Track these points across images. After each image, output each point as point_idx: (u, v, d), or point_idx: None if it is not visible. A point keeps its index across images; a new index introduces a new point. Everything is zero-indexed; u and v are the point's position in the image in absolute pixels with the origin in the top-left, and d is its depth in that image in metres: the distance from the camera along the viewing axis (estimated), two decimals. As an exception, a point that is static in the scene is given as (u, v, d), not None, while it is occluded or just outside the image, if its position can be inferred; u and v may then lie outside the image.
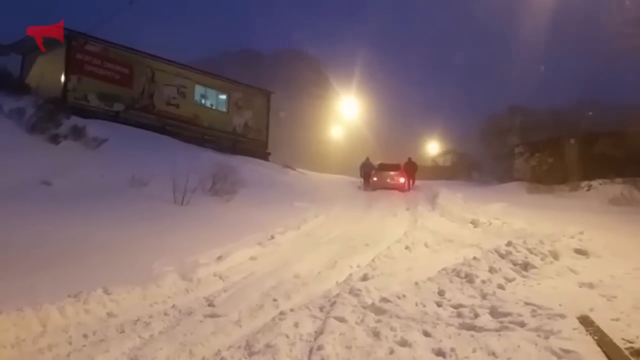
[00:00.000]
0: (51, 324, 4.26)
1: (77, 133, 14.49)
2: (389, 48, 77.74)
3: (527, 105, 40.81)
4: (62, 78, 19.59)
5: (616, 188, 15.63)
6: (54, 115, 14.70)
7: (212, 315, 4.71)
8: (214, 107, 25.58)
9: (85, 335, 4.12)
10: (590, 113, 31.94)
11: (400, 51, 78.93)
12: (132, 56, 21.93)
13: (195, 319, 4.64)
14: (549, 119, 33.93)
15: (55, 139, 13.69)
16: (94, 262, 6.11)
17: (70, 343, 3.97)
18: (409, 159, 25.74)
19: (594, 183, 17.06)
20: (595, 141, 18.84)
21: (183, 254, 6.82)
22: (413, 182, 24.45)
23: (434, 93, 66.58)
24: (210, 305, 5.08)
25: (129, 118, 20.61)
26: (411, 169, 24.91)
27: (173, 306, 4.99)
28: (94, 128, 15.23)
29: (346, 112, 45.45)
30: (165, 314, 4.73)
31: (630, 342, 3.70)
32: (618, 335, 3.81)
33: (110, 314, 4.66)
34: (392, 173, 24.09)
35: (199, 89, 24.60)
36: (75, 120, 15.44)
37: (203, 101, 25.06)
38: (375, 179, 23.55)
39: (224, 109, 26.00)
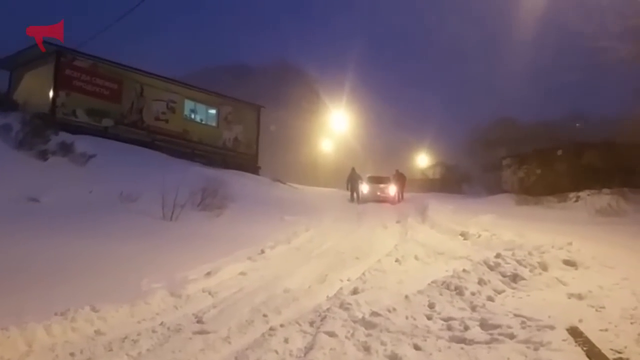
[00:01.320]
0: (37, 343, 4.20)
1: (66, 149, 14.40)
2: (379, 61, 78.25)
3: (515, 118, 41.34)
4: (51, 94, 19.50)
5: (604, 199, 15.77)
6: (41, 131, 14.61)
7: (201, 332, 4.67)
8: (203, 122, 25.57)
9: (72, 354, 4.07)
10: (578, 125, 32.36)
11: (389, 64, 79.60)
12: (121, 71, 21.91)
13: (184, 335, 4.59)
14: (537, 130, 34.34)
15: (43, 155, 13.59)
16: (81, 279, 6.04)
17: (56, 362, 3.91)
18: (397, 170, 25.70)
19: (582, 194, 17.19)
20: (583, 152, 19.03)
21: (172, 270, 6.77)
22: (402, 195, 24.40)
23: (423, 106, 66.98)
24: (199, 321, 5.04)
25: (117, 133, 20.53)
26: (400, 181, 24.88)
27: (161, 323, 4.94)
28: (83, 144, 15.14)
29: (336, 126, 45.61)
30: (154, 331, 4.68)
31: (619, 353, 3.72)
32: (607, 345, 3.83)
33: (98, 332, 4.60)
34: (381, 185, 24.15)
35: (188, 104, 24.60)
36: (64, 136, 15.35)
37: (192, 116, 25.04)
38: (365, 191, 23.56)
39: (214, 124, 25.99)
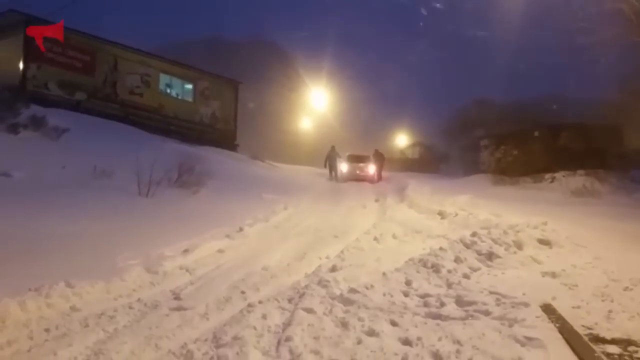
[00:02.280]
0: (11, 318, 4.11)
1: (37, 123, 14.05)
2: (358, 41, 77.74)
3: (492, 98, 41.64)
4: (21, 65, 18.88)
5: (578, 180, 16.09)
6: (12, 104, 14.23)
7: (179, 309, 4.64)
8: (179, 97, 25.13)
9: (47, 330, 4.01)
10: (555, 106, 32.73)
11: (369, 44, 79.14)
12: (94, 43, 21.29)
13: (161, 312, 4.56)
14: (514, 111, 34.65)
15: (14, 129, 13.25)
16: (56, 256, 5.94)
17: (31, 338, 3.85)
18: (376, 150, 25.65)
19: (557, 175, 17.49)
20: (559, 134, 19.29)
21: (148, 247, 6.68)
22: (380, 174, 24.44)
23: (402, 86, 67.01)
24: (177, 298, 5.00)
25: (91, 107, 20.03)
26: (379, 161, 24.89)
27: (138, 299, 4.89)
28: (55, 117, 14.78)
29: (316, 104, 45.40)
30: (130, 308, 4.64)
31: (590, 329, 3.83)
32: (578, 322, 3.94)
33: (73, 308, 4.53)
34: (361, 164, 24.15)
35: (163, 78, 24.09)
36: (35, 109, 14.96)
37: (168, 90, 24.56)
38: (344, 170, 23.54)
39: (190, 99, 25.57)
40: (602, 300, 4.58)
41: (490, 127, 32.44)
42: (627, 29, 12.76)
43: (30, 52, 18.87)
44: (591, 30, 12.45)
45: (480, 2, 43.30)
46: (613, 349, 3.47)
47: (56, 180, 10.36)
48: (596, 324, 3.94)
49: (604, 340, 3.61)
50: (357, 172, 23.63)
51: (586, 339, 3.61)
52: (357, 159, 24.85)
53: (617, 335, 3.70)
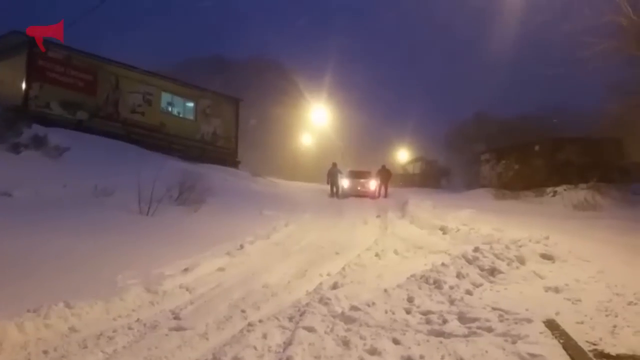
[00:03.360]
0: (8, 340, 4.07)
1: (39, 142, 14.10)
2: (359, 57, 78.45)
3: (492, 113, 41.76)
4: (23, 85, 19.04)
5: (580, 194, 16.07)
6: (14, 124, 14.28)
7: (178, 329, 4.59)
8: (181, 115, 25.27)
9: (45, 352, 3.96)
10: (555, 120, 32.79)
11: (369, 60, 79.77)
12: (96, 63, 21.49)
13: (161, 332, 4.51)
14: (515, 126, 34.74)
15: (15, 149, 13.29)
16: (55, 275, 5.89)
17: (28, 360, 3.80)
18: (383, 166, 25.68)
19: (559, 189, 17.48)
20: (560, 148, 19.33)
21: (148, 266, 6.65)
22: (387, 190, 24.39)
23: (403, 101, 67.33)
24: (176, 318, 4.95)
25: (92, 126, 20.14)
26: (385, 176, 24.84)
27: (137, 320, 4.84)
28: (56, 137, 14.84)
29: (316, 120, 45.53)
30: (130, 328, 4.59)
31: (594, 345, 3.78)
32: (583, 337, 3.88)
33: (72, 329, 4.48)
34: (362, 180, 24.16)
35: (165, 97, 24.26)
36: (37, 129, 15.03)
37: (170, 109, 24.72)
38: (345, 186, 23.53)
39: (192, 117, 25.70)
40: (606, 315, 4.52)
41: (491, 141, 32.53)
42: (626, 42, 12.83)
43: (32, 73, 19.06)
44: (591, 44, 12.51)
45: (480, 16, 43.67)
46: (618, 365, 3.42)
47: (57, 199, 10.36)
48: (601, 339, 3.88)
49: (608, 356, 3.56)
50: (359, 187, 23.63)
51: (591, 355, 3.56)
52: (358, 174, 24.88)
53: (622, 350, 3.65)
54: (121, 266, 6.46)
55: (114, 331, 4.48)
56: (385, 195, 23.67)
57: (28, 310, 4.54)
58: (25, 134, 14.25)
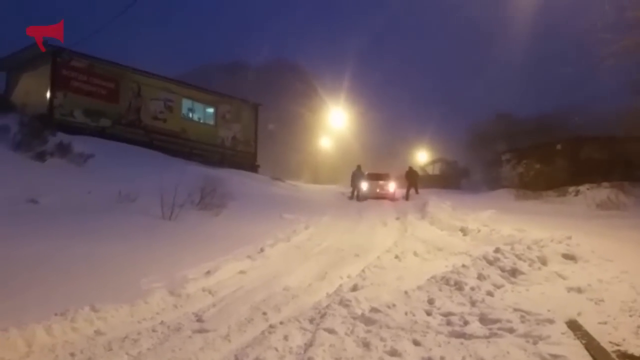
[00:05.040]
0: (37, 343, 4.19)
1: (63, 150, 14.39)
2: (377, 58, 78.30)
3: (513, 112, 41.26)
4: (48, 94, 19.49)
5: (603, 192, 15.78)
6: (39, 132, 14.62)
7: (201, 331, 4.67)
8: (201, 121, 25.57)
9: (72, 354, 4.06)
10: (577, 118, 32.26)
11: (387, 61, 79.57)
12: (118, 71, 21.89)
13: (184, 334, 4.60)
14: (535, 125, 34.27)
15: (41, 156, 13.59)
16: (81, 279, 6.04)
17: (57, 362, 3.91)
18: (410, 167, 25.71)
19: (582, 188, 17.19)
20: (582, 146, 19.02)
21: (171, 269, 6.77)
22: (417, 191, 24.20)
23: (422, 102, 66.99)
24: (199, 320, 5.04)
25: (115, 133, 20.53)
26: (413, 178, 24.79)
27: (161, 322, 4.94)
28: (80, 144, 15.13)
29: (335, 123, 45.56)
30: (154, 331, 4.68)
31: (617, 345, 3.73)
32: (605, 338, 3.84)
33: (98, 332, 4.60)
34: (381, 182, 24.10)
35: (186, 103, 24.59)
36: (62, 136, 15.35)
37: (190, 115, 25.03)
38: (364, 189, 23.47)
39: (212, 122, 25.99)
40: (630, 316, 4.45)
41: (512, 141, 32.14)
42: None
43: (57, 82, 19.52)
44: (611, 40, 12.28)
45: (500, 16, 43.24)
46: (642, 366, 3.38)
47: (82, 205, 10.57)
48: (624, 340, 3.83)
49: (632, 357, 3.52)
50: (377, 190, 23.57)
51: (614, 355, 3.52)
52: (377, 177, 24.82)
53: (646, 351, 3.60)
54: (145, 270, 6.59)
55: (139, 334, 4.58)
56: (417, 193, 23.80)
57: (55, 314, 4.67)
58: (51, 142, 14.56)
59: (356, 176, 23.81)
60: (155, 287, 5.93)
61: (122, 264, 6.92)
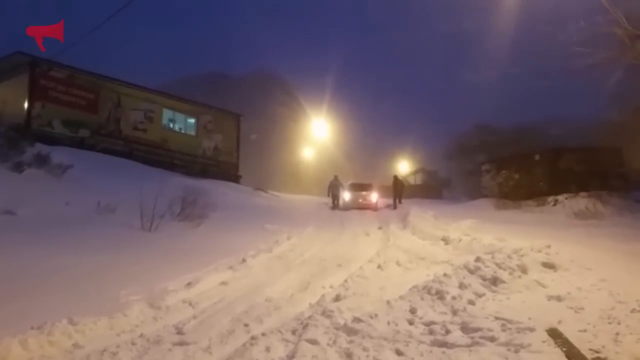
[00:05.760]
0: (12, 358, 4.09)
1: (41, 160, 14.16)
2: (358, 70, 78.88)
3: (492, 123, 41.87)
4: (26, 105, 19.19)
5: (581, 202, 16.05)
6: (17, 143, 14.36)
7: (181, 343, 4.60)
8: (182, 131, 25.41)
9: (48, 369, 3.97)
10: (555, 130, 32.90)
11: (369, 73, 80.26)
12: (98, 81, 21.70)
13: (164, 347, 4.52)
14: (514, 136, 34.82)
15: (18, 167, 13.34)
16: (59, 292, 5.92)
17: (32, 378, 3.82)
18: (395, 177, 25.82)
19: (560, 198, 17.47)
20: (560, 157, 19.35)
21: (151, 281, 6.67)
22: (400, 200, 24.27)
23: (403, 113, 67.60)
24: (179, 333, 4.96)
25: (95, 144, 20.29)
26: (399, 187, 24.91)
27: (141, 335, 4.85)
28: (59, 155, 14.92)
29: (317, 134, 45.70)
30: (133, 344, 4.59)
31: (597, 352, 3.77)
32: (585, 346, 3.88)
33: (76, 345, 4.50)
34: (363, 193, 24.16)
35: (166, 113, 24.43)
36: (40, 147, 15.11)
37: (171, 125, 24.87)
38: (346, 199, 23.53)
39: (193, 133, 25.86)
40: (609, 323, 4.51)
41: (491, 151, 32.58)
42: (622, 52, 12.89)
43: (35, 92, 19.25)
44: (587, 54, 12.57)
45: (479, 28, 44.02)
46: (621, 373, 3.42)
47: (60, 217, 10.40)
48: (603, 347, 3.87)
49: (611, 364, 3.56)
50: (360, 200, 23.62)
51: (593, 362, 3.56)
52: (359, 187, 24.87)
53: (625, 358, 3.64)
54: (124, 282, 6.48)
55: (118, 347, 4.49)
56: (400, 202, 23.81)
57: (32, 328, 4.57)
58: (28, 152, 14.32)
59: (334, 186, 24.29)
60: (135, 299, 5.84)
61: (101, 276, 6.80)
